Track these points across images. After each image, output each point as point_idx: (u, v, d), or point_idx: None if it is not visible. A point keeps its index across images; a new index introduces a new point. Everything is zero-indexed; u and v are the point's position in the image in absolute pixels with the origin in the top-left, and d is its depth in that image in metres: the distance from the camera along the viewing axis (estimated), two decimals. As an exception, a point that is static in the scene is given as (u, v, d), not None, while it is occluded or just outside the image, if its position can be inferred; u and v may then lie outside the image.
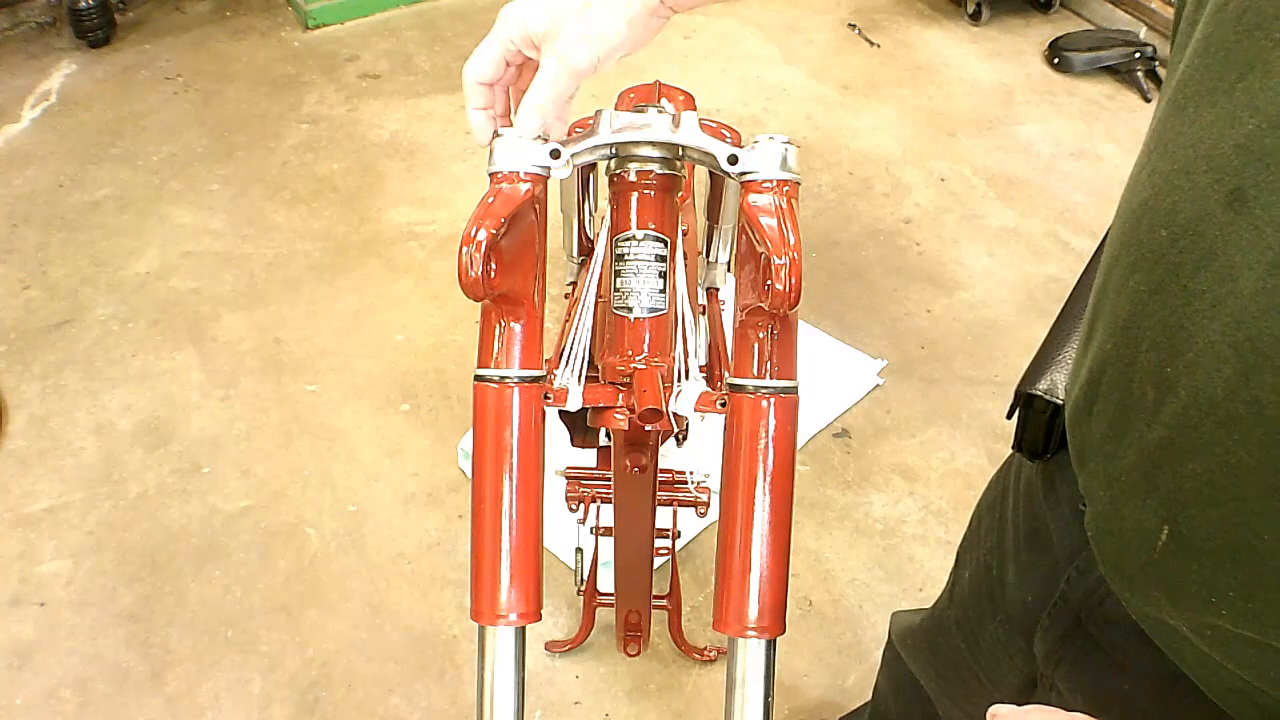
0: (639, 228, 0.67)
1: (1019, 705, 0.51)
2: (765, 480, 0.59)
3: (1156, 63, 2.74)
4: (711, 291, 1.06)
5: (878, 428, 1.86)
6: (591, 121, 0.63)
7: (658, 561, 1.26)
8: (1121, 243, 0.50)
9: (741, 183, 0.60)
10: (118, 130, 2.50)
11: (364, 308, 2.06)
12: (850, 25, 2.98)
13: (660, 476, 1.01)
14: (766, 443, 0.59)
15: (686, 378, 0.65)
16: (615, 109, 0.64)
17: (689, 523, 1.57)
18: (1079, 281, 0.72)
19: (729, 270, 1.03)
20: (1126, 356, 0.49)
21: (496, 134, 0.60)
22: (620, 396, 0.66)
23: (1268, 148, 0.39)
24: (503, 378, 0.60)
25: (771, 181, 0.59)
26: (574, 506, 1.19)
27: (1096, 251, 0.65)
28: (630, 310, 0.66)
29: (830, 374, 1.92)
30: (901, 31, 2.97)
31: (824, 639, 1.55)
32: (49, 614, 1.55)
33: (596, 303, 0.68)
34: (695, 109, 0.84)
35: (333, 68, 2.74)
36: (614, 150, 0.65)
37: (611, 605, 1.33)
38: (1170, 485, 0.46)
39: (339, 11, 2.90)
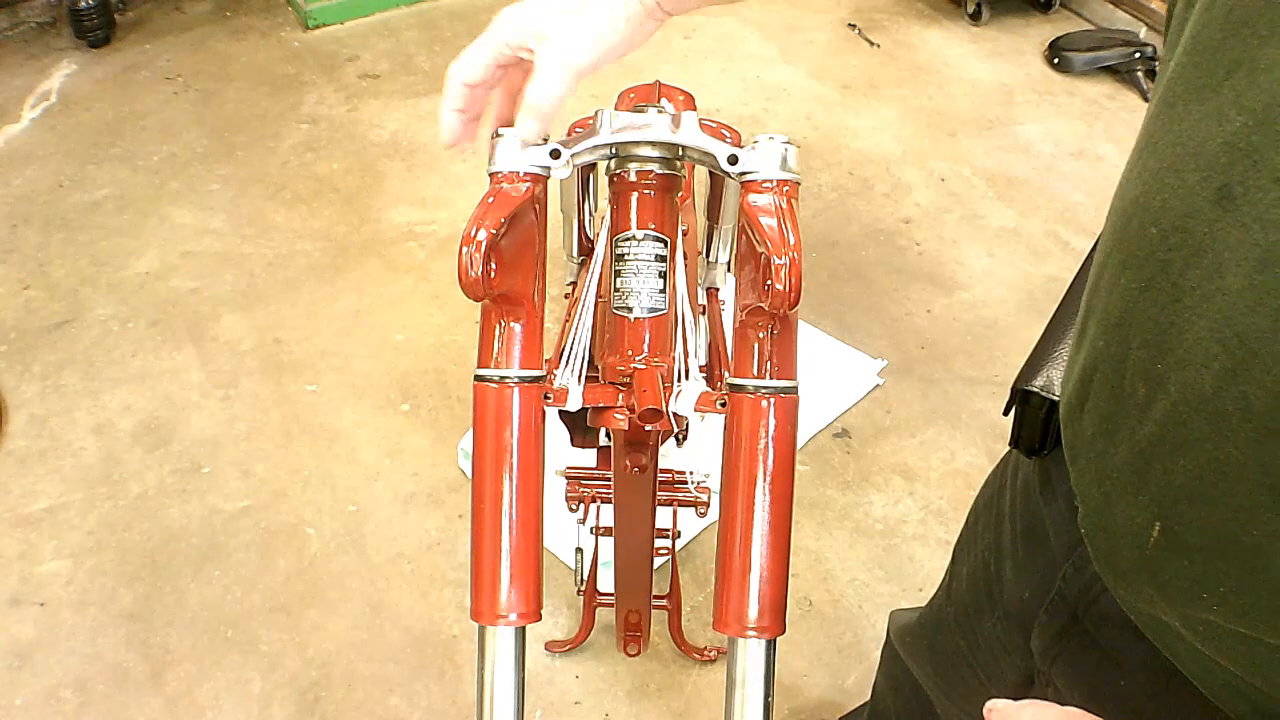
0: (639, 228, 0.67)
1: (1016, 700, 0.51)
2: (765, 480, 0.59)
3: (1156, 63, 2.74)
4: (711, 291, 1.06)
5: (878, 428, 1.86)
6: (591, 121, 0.63)
7: (658, 561, 1.26)
8: (1113, 240, 0.50)
9: (741, 183, 0.60)
10: (118, 130, 2.50)
11: (364, 308, 2.06)
12: (850, 25, 2.98)
13: (660, 476, 1.01)
14: (766, 443, 0.59)
15: (686, 378, 0.66)
16: (615, 109, 0.64)
17: (689, 523, 1.57)
18: (1075, 279, 0.72)
19: (729, 270, 1.03)
20: (1118, 354, 0.49)
21: (497, 134, 0.60)
22: (620, 396, 0.66)
23: (1255, 145, 0.39)
24: (503, 378, 0.60)
25: (771, 181, 0.59)
26: (574, 506, 1.19)
27: (1092, 249, 0.65)
28: (630, 310, 0.66)
29: (830, 374, 1.93)
30: (901, 31, 2.97)
31: (824, 639, 1.55)
32: (49, 614, 1.56)
33: (596, 303, 0.68)
34: (695, 109, 0.84)
35: (333, 68, 2.74)
36: (614, 150, 0.65)
37: (611, 605, 1.33)
38: (1161, 482, 0.46)
39: (339, 11, 2.90)
